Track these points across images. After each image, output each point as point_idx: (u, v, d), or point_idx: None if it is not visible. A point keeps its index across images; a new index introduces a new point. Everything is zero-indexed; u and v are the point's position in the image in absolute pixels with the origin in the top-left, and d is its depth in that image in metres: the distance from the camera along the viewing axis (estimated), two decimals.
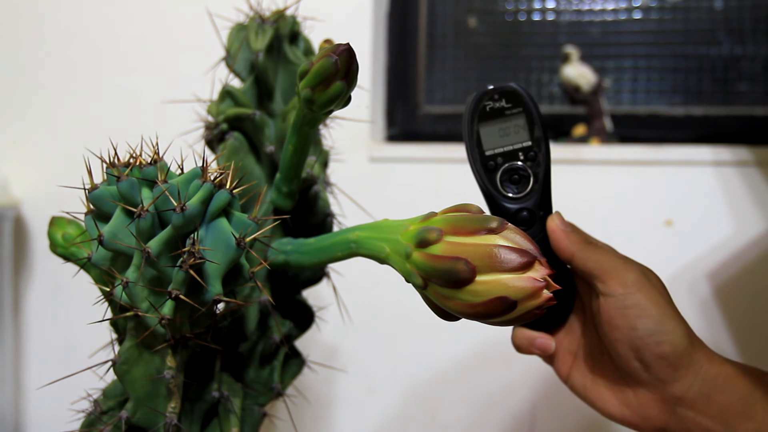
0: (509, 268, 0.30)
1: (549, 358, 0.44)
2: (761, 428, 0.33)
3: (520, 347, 0.44)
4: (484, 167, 0.41)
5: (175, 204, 0.31)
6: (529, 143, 0.41)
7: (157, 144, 0.35)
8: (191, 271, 0.31)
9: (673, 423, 0.36)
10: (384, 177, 0.97)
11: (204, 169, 0.33)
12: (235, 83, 0.48)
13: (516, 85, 0.41)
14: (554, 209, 0.42)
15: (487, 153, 0.41)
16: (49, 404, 1.07)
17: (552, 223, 0.40)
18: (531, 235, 0.41)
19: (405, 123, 1.11)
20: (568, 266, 0.41)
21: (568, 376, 0.43)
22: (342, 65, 0.34)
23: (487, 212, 0.42)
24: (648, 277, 0.37)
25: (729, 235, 0.90)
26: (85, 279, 0.39)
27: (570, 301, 0.43)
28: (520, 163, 0.41)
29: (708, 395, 0.35)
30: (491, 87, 0.41)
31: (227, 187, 0.33)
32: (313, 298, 0.51)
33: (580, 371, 0.42)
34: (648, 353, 0.36)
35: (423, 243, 0.32)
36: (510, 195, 0.41)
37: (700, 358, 0.36)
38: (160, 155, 0.35)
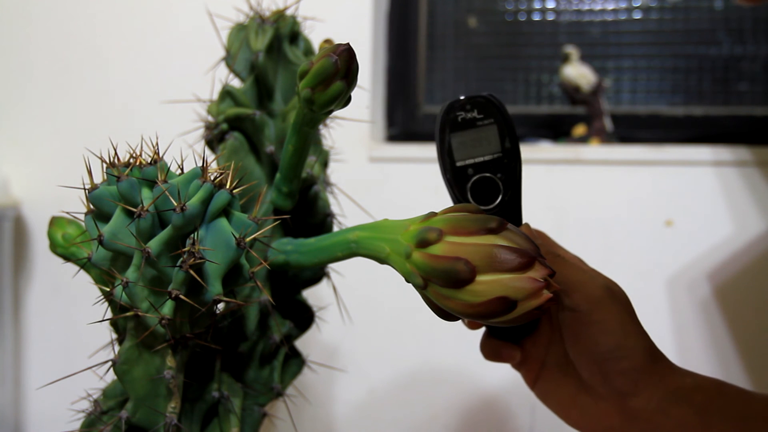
0: (509, 268, 0.30)
1: (517, 364, 0.45)
2: None
3: (488, 356, 0.45)
4: (454, 178, 0.41)
5: (175, 204, 0.31)
6: (500, 154, 0.41)
7: (157, 144, 0.35)
8: (191, 271, 0.31)
9: None
10: (384, 177, 0.97)
11: (204, 169, 0.33)
12: (235, 83, 0.48)
13: (488, 96, 0.41)
14: (524, 220, 0.42)
15: (458, 164, 0.41)
16: (49, 404, 1.07)
17: None
18: None
19: (405, 123, 1.11)
20: None
21: (534, 383, 0.44)
22: (342, 65, 0.34)
23: None
24: (613, 292, 0.38)
25: (729, 235, 0.90)
26: (85, 279, 0.39)
27: None
28: (490, 174, 0.41)
29: (666, 409, 0.35)
30: (463, 97, 0.41)
31: (227, 187, 0.33)
32: (313, 298, 0.51)
33: (545, 379, 0.43)
34: (609, 368, 0.36)
35: (423, 243, 0.32)
36: (480, 206, 0.41)
37: (660, 373, 0.36)
38: (160, 155, 0.35)
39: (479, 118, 0.41)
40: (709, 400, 0.35)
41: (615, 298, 0.37)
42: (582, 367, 0.38)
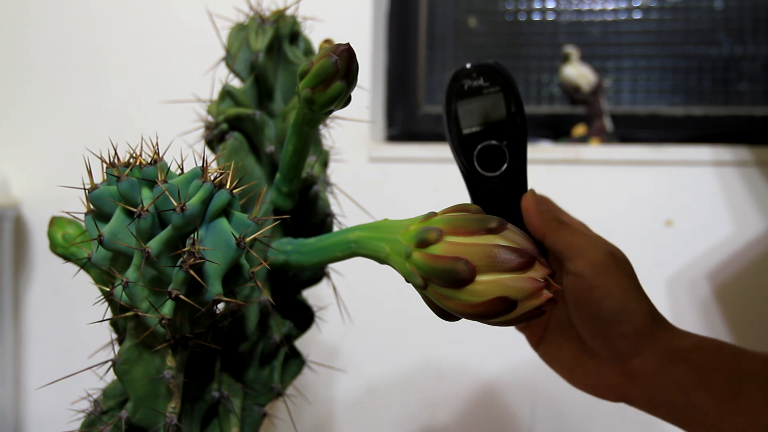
0: (509, 268, 0.30)
1: (521, 327, 0.45)
2: (717, 397, 0.34)
3: None
4: (461, 145, 0.41)
5: (175, 204, 0.31)
6: (506, 122, 0.41)
7: (157, 144, 0.35)
8: (191, 271, 0.31)
9: (634, 394, 0.38)
10: (384, 177, 0.97)
11: (204, 169, 0.33)
12: (235, 83, 0.48)
13: (494, 63, 0.41)
14: (529, 186, 0.42)
15: (465, 131, 0.41)
16: (49, 404, 1.07)
17: (525, 201, 0.41)
18: (506, 212, 0.41)
19: (405, 123, 1.11)
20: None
21: (538, 345, 0.45)
22: (342, 65, 0.34)
23: (468, 196, 0.43)
24: (616, 257, 0.38)
25: (729, 235, 0.90)
26: (85, 279, 0.39)
27: None
28: (495, 141, 0.41)
29: (666, 369, 0.36)
30: (469, 65, 0.41)
31: (227, 187, 0.33)
32: (313, 298, 0.51)
33: (549, 341, 0.44)
34: (611, 331, 0.37)
35: (423, 243, 0.32)
36: (486, 173, 0.41)
37: (661, 335, 0.37)
38: (160, 155, 0.35)
39: (485, 86, 0.41)
40: (707, 359, 0.36)
41: (618, 264, 0.38)
42: (584, 330, 0.39)
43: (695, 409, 0.35)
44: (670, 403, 0.36)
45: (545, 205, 0.42)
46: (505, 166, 0.41)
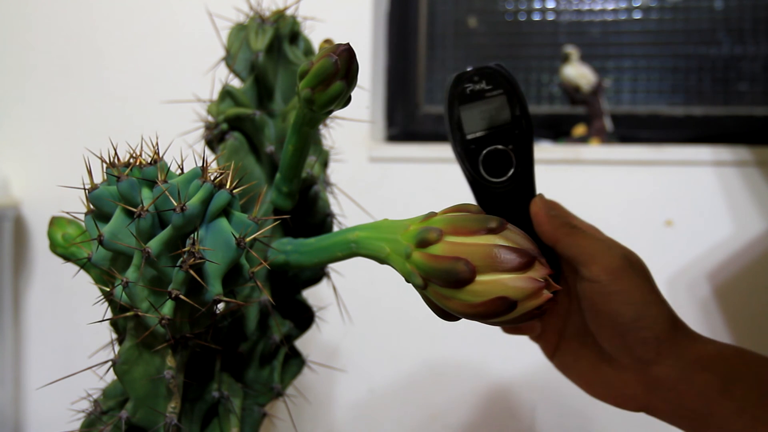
0: (509, 268, 0.30)
1: (535, 336, 0.44)
2: (742, 406, 0.33)
3: (508, 329, 0.44)
4: (465, 151, 0.40)
5: (175, 204, 0.31)
6: (510, 125, 0.40)
7: (157, 144, 0.35)
8: (191, 271, 0.31)
9: (655, 403, 0.37)
10: (384, 177, 0.97)
11: (204, 169, 0.33)
12: (235, 83, 0.48)
13: (496, 66, 0.40)
14: (537, 191, 0.41)
15: (469, 137, 0.40)
16: (49, 404, 1.07)
17: (535, 207, 0.40)
18: (514, 218, 0.40)
19: (405, 123, 1.11)
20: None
21: (553, 355, 0.43)
22: (342, 65, 0.34)
23: (473, 199, 0.42)
24: (631, 262, 0.37)
25: (729, 235, 0.90)
26: (85, 279, 0.39)
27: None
28: (501, 146, 0.40)
29: (689, 377, 0.35)
30: (470, 69, 0.40)
31: (227, 187, 0.33)
32: (313, 298, 0.51)
33: (565, 350, 0.42)
34: (631, 338, 0.36)
35: (423, 243, 0.32)
36: (492, 179, 0.40)
37: (682, 341, 0.36)
38: (160, 155, 0.35)
39: (488, 90, 0.40)
40: (731, 367, 0.35)
41: (634, 268, 0.37)
42: (603, 338, 0.38)
43: (718, 419, 0.34)
44: (693, 412, 0.35)
45: (555, 209, 0.41)
46: (512, 171, 0.40)
